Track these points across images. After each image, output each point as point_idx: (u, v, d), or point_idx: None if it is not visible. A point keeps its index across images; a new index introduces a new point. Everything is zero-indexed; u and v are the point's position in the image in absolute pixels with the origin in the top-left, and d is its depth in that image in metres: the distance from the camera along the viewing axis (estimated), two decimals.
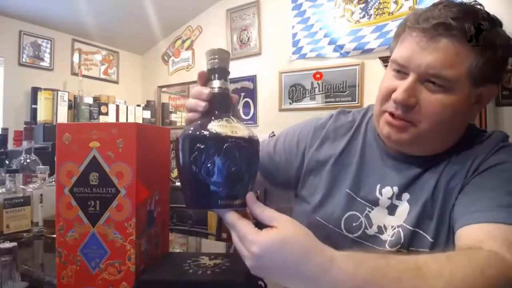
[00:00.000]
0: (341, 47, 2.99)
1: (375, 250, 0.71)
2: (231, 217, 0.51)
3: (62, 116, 3.24)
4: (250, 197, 0.53)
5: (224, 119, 0.54)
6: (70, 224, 0.59)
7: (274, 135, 1.05)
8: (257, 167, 0.57)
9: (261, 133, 1.14)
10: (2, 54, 3.17)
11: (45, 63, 3.47)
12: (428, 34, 0.63)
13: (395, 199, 0.72)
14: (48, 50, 3.48)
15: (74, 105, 3.42)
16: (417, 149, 0.72)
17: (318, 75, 3.09)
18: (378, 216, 0.73)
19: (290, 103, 3.28)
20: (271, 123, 3.28)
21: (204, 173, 0.51)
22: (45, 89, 3.21)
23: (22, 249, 0.88)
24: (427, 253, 0.59)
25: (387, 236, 0.71)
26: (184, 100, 3.97)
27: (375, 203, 0.74)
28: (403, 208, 0.71)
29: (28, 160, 1.28)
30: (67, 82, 3.59)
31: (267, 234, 0.47)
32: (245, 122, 1.85)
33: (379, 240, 0.72)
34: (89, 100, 3.55)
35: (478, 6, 0.67)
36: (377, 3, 2.83)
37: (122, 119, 3.69)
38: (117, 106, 3.71)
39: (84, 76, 3.68)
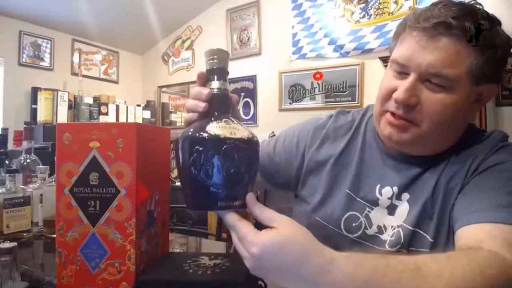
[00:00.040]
0: (341, 47, 2.99)
1: (375, 250, 0.71)
2: (231, 218, 0.51)
3: (62, 116, 3.24)
4: (250, 198, 0.53)
5: (224, 120, 0.54)
6: (70, 224, 0.59)
7: (274, 135, 1.05)
8: (257, 168, 0.57)
9: (261, 133, 1.14)
10: (2, 54, 3.17)
11: (45, 63, 3.46)
12: (429, 33, 0.64)
13: (395, 199, 0.72)
14: (48, 50, 3.48)
15: (74, 105, 3.42)
16: (417, 149, 0.72)
17: (318, 75, 3.09)
18: (378, 216, 0.73)
19: (290, 103, 3.28)
20: (271, 123, 3.28)
21: (204, 175, 0.51)
22: (45, 89, 3.21)
23: (22, 249, 0.88)
24: (427, 253, 0.59)
25: (387, 236, 0.71)
26: (184, 100, 3.97)
27: (375, 203, 0.74)
28: (403, 208, 0.71)
29: (28, 160, 1.28)
30: (67, 82, 3.59)
31: (267, 235, 0.47)
32: (245, 122, 1.86)
33: (379, 240, 0.72)
34: (89, 100, 3.54)
35: (478, 6, 0.67)
36: (377, 3, 2.83)
37: (122, 119, 3.68)
38: (117, 106, 3.71)
39: (84, 76, 3.68)
